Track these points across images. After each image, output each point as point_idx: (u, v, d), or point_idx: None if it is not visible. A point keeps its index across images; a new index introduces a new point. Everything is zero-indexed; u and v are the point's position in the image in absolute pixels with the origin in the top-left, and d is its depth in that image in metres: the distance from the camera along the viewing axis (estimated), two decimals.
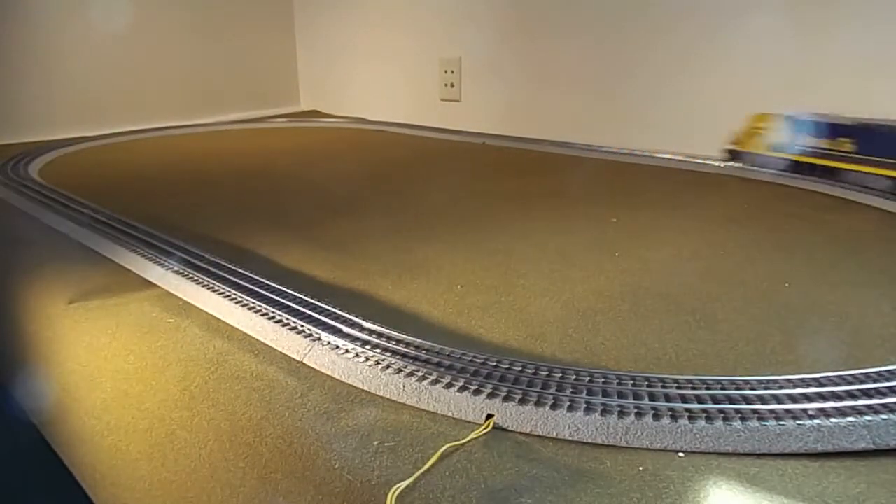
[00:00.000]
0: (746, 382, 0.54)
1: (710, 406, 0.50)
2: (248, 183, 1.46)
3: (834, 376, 0.55)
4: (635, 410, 0.49)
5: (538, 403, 0.51)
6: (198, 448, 0.51)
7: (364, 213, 1.16)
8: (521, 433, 0.50)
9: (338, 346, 0.60)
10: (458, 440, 0.48)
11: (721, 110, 1.52)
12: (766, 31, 1.42)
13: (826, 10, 1.34)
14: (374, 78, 2.32)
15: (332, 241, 0.98)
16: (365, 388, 0.56)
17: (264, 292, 0.73)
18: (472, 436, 0.49)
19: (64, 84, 1.98)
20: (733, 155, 1.39)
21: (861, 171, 1.15)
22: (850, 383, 0.53)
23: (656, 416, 0.49)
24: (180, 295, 0.76)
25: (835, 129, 1.21)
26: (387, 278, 0.82)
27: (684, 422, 0.48)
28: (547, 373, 0.56)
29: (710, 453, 0.47)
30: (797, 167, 1.26)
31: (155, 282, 0.80)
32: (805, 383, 0.53)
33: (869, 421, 0.47)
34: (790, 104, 1.39)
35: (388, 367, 0.56)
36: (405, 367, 0.56)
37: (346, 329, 0.63)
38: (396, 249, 0.93)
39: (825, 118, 1.23)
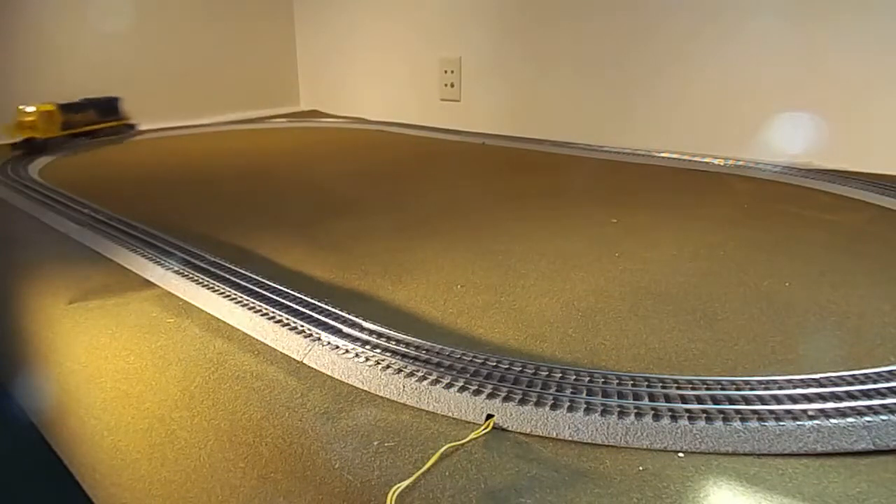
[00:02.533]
0: (746, 382, 0.54)
1: (709, 406, 0.50)
2: (248, 183, 1.46)
3: (834, 376, 0.55)
4: (635, 411, 0.49)
5: (538, 404, 0.51)
6: (198, 448, 0.51)
7: (364, 213, 1.16)
8: (521, 433, 0.50)
9: (338, 347, 0.60)
10: (458, 440, 0.48)
11: (721, 110, 1.52)
12: (765, 32, 1.42)
13: (825, 11, 1.34)
14: (374, 78, 2.32)
15: (332, 241, 0.98)
16: (365, 388, 0.56)
17: (264, 292, 0.73)
18: (472, 436, 0.49)
19: (64, 84, 1.98)
20: (27, 145, 1.69)
21: (104, 128, 1.91)
22: (850, 383, 0.53)
23: (656, 417, 0.49)
24: (180, 295, 0.76)
25: (84, 105, 1.88)
26: (387, 278, 0.82)
27: (684, 422, 0.48)
28: (547, 373, 0.56)
29: (709, 453, 0.47)
30: (76, 136, 1.83)
31: (155, 282, 0.80)
32: (805, 383, 0.53)
33: (869, 421, 0.47)
34: (790, 103, 1.39)
35: (388, 367, 0.56)
36: (405, 368, 0.56)
37: (346, 329, 0.63)
38: (396, 249, 0.93)
39: (78, 100, 1.86)
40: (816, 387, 0.53)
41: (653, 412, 0.49)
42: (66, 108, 1.80)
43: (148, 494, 0.50)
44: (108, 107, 1.95)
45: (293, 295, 0.72)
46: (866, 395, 0.51)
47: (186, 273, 0.79)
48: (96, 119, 1.90)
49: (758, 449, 0.47)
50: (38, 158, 1.61)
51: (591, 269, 0.85)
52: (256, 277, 0.77)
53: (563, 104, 1.82)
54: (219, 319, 0.70)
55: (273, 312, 0.67)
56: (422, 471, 0.45)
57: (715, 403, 0.50)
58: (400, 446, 0.48)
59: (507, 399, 0.51)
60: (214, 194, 1.35)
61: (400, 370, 0.56)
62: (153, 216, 1.07)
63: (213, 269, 0.80)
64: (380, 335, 0.62)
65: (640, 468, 0.45)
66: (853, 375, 0.55)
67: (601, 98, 1.73)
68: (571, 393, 0.52)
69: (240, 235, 1.00)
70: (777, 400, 0.51)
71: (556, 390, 0.53)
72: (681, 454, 0.47)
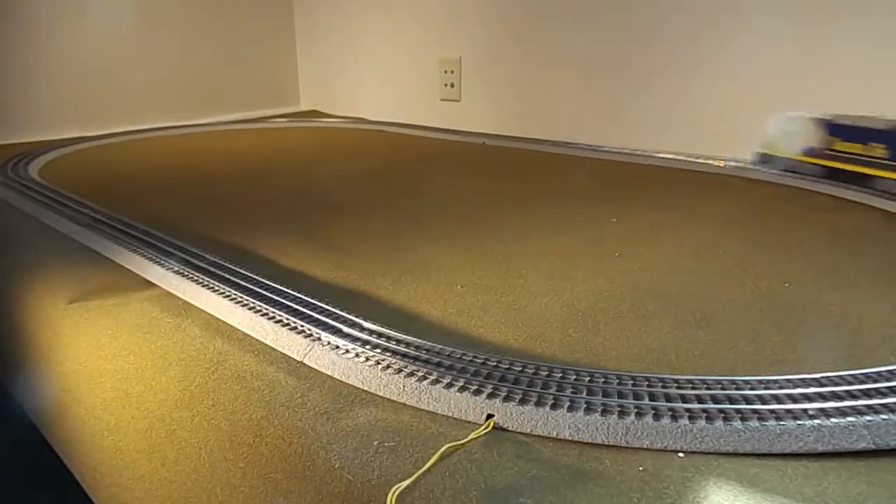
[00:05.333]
0: (746, 382, 0.54)
1: (710, 406, 0.50)
2: (248, 183, 1.46)
3: (834, 376, 0.55)
4: (635, 410, 0.49)
5: (538, 403, 0.51)
6: (198, 448, 0.51)
7: (364, 213, 1.16)
8: (521, 433, 0.50)
9: (338, 346, 0.60)
10: (458, 440, 0.48)
11: (721, 110, 1.52)
12: (766, 32, 1.42)
13: (827, 11, 1.34)
14: (374, 78, 2.32)
15: (333, 241, 0.98)
16: (365, 388, 0.56)
17: (264, 292, 0.73)
18: (472, 436, 0.48)
19: (64, 84, 1.98)
20: (764, 159, 1.32)
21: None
22: (850, 383, 0.53)
23: (656, 416, 0.49)
24: (180, 295, 0.76)
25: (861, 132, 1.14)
26: (387, 278, 0.82)
27: (684, 422, 0.48)
28: (547, 373, 0.56)
29: (710, 453, 0.47)
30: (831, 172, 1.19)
31: (155, 282, 0.80)
32: (805, 383, 0.53)
33: (869, 421, 0.47)
34: (791, 104, 1.39)
35: (388, 367, 0.56)
36: (405, 367, 0.56)
37: (346, 329, 0.63)
38: (396, 249, 0.93)
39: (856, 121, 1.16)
40: (817, 386, 0.53)
41: (653, 412, 0.49)
42: (835, 129, 1.20)
43: (148, 494, 0.50)
44: None
45: (293, 295, 0.72)
46: (867, 394, 0.51)
47: (186, 273, 0.79)
48: (882, 160, 1.12)
49: (758, 448, 0.46)
50: (37, 158, 1.61)
51: (591, 268, 0.85)
52: (256, 277, 0.77)
53: (563, 104, 1.82)
54: (219, 319, 0.70)
55: (273, 312, 0.67)
56: (422, 471, 0.45)
57: (715, 403, 0.50)
58: (400, 446, 0.48)
59: (507, 399, 0.51)
60: (214, 194, 1.34)
61: (400, 370, 0.56)
62: (153, 216, 1.07)
63: (213, 269, 0.80)
64: (380, 335, 0.62)
65: (641, 468, 0.45)
66: (853, 375, 0.55)
67: (601, 98, 1.73)
68: (572, 393, 0.52)
69: (240, 235, 1.00)
70: (777, 400, 0.51)
71: (557, 390, 0.52)
72: (681, 454, 0.47)
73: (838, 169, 1.19)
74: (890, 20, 1.27)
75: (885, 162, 1.11)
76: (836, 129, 1.20)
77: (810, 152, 1.23)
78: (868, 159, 1.13)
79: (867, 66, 1.31)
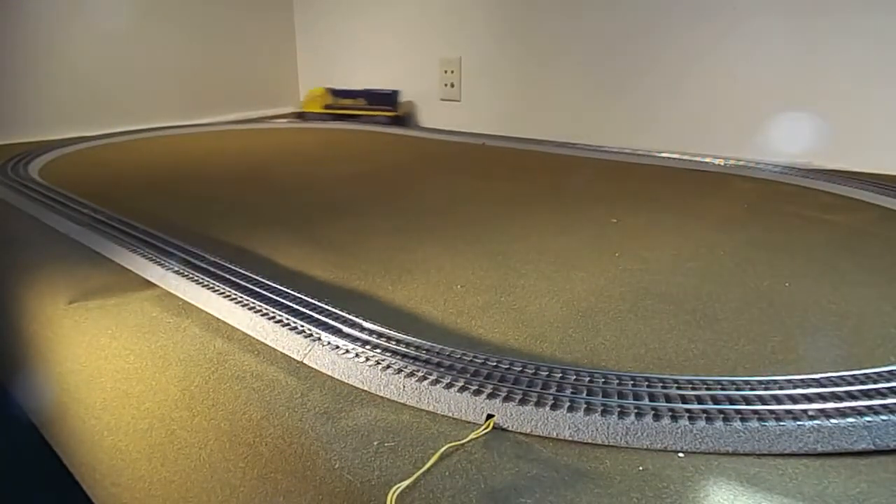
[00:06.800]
0: (746, 383, 0.54)
1: (710, 406, 0.50)
2: (247, 183, 1.46)
3: (834, 376, 0.55)
4: (635, 411, 0.49)
5: (538, 404, 0.51)
6: (198, 448, 0.51)
7: (364, 214, 1.16)
8: (521, 433, 0.50)
9: (338, 346, 0.60)
10: (459, 440, 0.48)
11: (721, 110, 1.52)
12: (766, 31, 1.42)
13: (825, 9, 1.34)
14: (375, 78, 2.32)
15: (333, 242, 0.98)
16: (365, 388, 0.56)
17: (264, 292, 0.73)
18: (473, 436, 0.49)
19: (64, 84, 1.98)
20: (300, 115, 2.38)
21: (365, 115, 2.20)
22: (850, 383, 0.53)
23: (656, 417, 0.49)
24: (180, 295, 0.76)
25: (357, 93, 2.24)
26: (387, 278, 0.82)
27: (684, 422, 0.48)
28: (547, 373, 0.56)
29: (710, 453, 0.47)
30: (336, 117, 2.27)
31: (155, 282, 0.80)
32: (805, 383, 0.53)
33: (869, 421, 0.47)
34: (790, 102, 1.39)
35: (388, 367, 0.56)
36: (405, 368, 0.56)
37: (346, 329, 0.63)
38: (396, 249, 0.94)
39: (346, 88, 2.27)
40: (817, 387, 0.53)
41: (653, 412, 0.49)
42: (337, 93, 2.29)
43: (148, 494, 0.50)
44: (381, 97, 2.18)
45: (293, 295, 0.72)
46: (866, 395, 0.51)
47: (186, 273, 0.79)
48: (364, 106, 2.20)
49: (758, 449, 0.47)
50: (38, 158, 1.61)
51: (591, 269, 0.85)
52: (256, 277, 0.77)
53: (563, 104, 1.82)
54: (219, 319, 0.70)
55: (273, 312, 0.67)
56: (422, 471, 0.45)
57: (715, 403, 0.50)
58: (400, 446, 0.48)
59: (507, 399, 0.51)
60: (214, 194, 1.35)
61: (400, 370, 0.56)
62: (153, 216, 1.07)
63: (213, 269, 0.80)
64: (380, 335, 0.62)
65: (641, 468, 0.45)
66: (853, 375, 0.55)
67: (601, 98, 1.73)
68: (571, 393, 0.52)
69: (240, 235, 1.00)
70: (777, 400, 0.51)
71: (557, 390, 0.53)
72: (681, 454, 0.47)
73: (341, 114, 2.25)
74: (891, 19, 1.27)
75: (365, 107, 2.19)
76: (339, 93, 2.28)
77: (328, 107, 2.28)
78: (356, 107, 2.22)
79: (867, 66, 1.31)
